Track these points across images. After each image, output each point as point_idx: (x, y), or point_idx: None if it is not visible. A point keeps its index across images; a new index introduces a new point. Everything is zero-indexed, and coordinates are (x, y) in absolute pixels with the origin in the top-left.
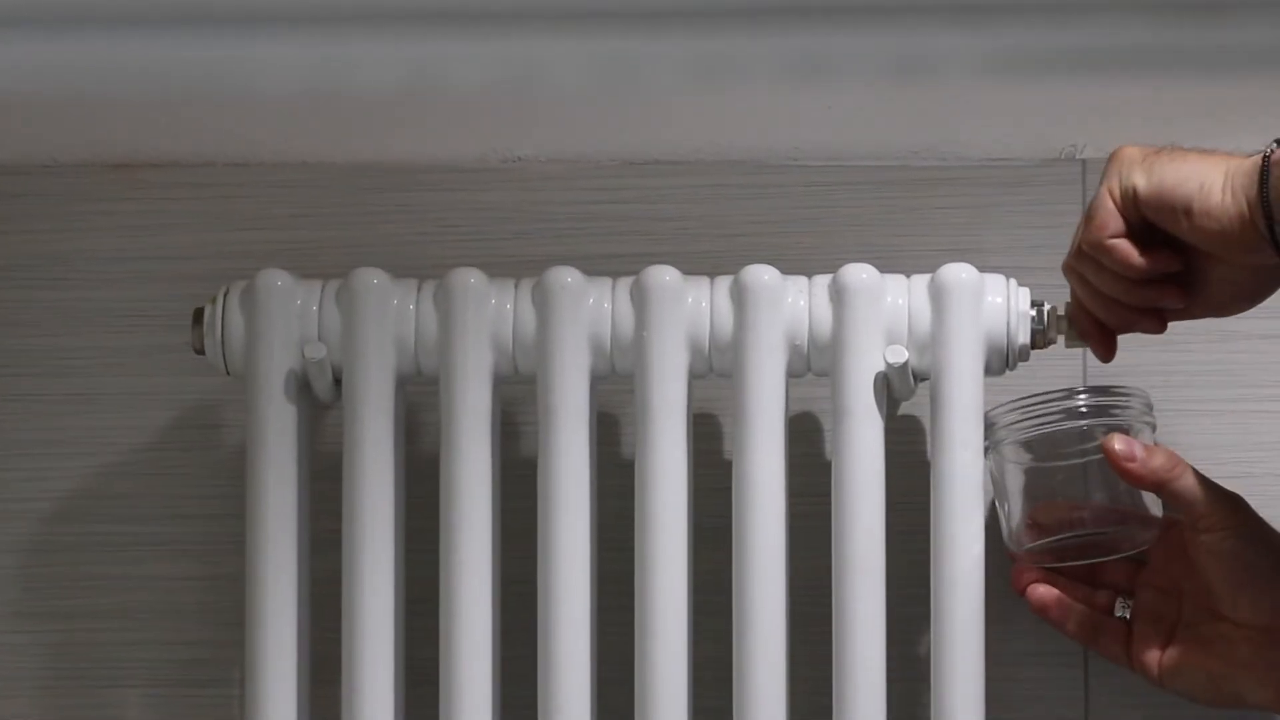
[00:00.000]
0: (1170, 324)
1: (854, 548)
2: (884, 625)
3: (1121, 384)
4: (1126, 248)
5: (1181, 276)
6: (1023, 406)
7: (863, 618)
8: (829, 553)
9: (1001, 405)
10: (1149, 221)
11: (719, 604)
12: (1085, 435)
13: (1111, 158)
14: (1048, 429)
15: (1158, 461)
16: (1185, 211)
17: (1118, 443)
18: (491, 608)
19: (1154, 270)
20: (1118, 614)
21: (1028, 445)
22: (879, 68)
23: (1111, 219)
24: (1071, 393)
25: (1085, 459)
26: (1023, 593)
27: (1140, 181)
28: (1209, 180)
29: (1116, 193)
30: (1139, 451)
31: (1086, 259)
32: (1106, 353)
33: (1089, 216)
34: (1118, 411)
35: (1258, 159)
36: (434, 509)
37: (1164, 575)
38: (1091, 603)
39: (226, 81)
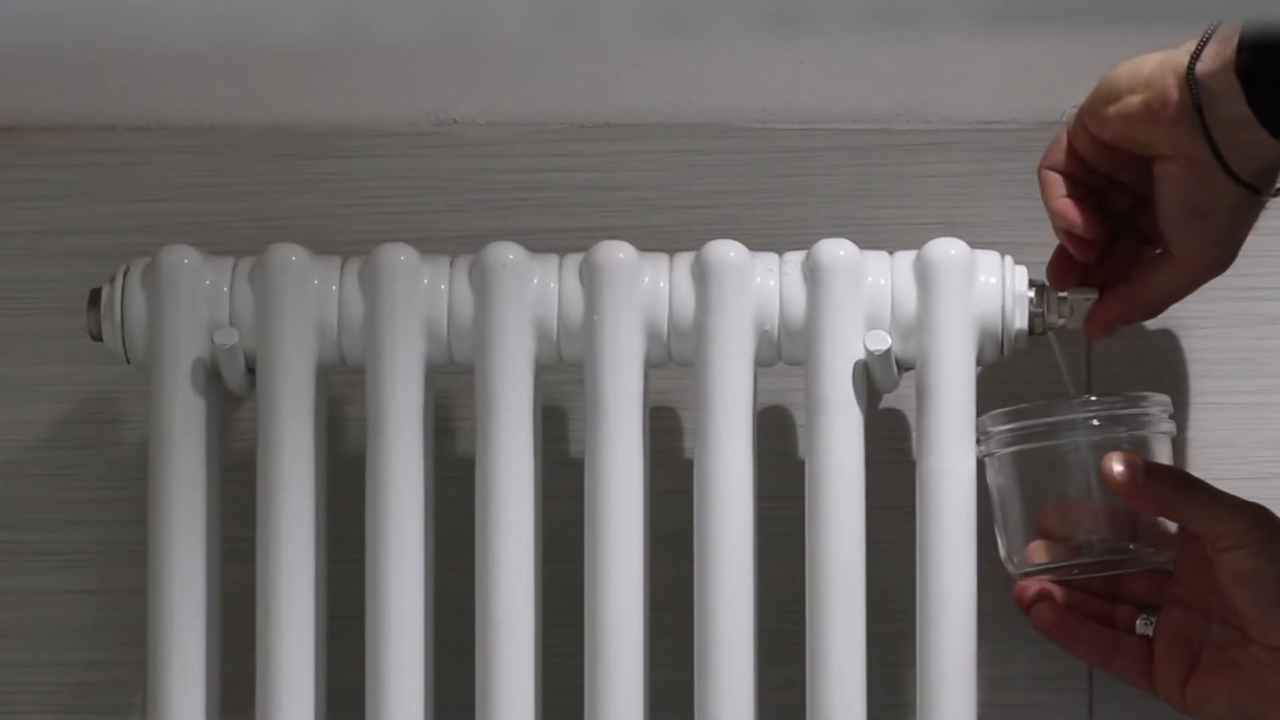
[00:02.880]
0: (1180, 304)
1: (830, 557)
2: (864, 645)
3: (1134, 390)
4: (1048, 182)
5: (1092, 221)
6: (1021, 414)
7: (840, 636)
8: (802, 563)
9: (998, 411)
10: (1100, 148)
11: (679, 620)
12: (1092, 449)
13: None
14: (1049, 443)
15: (1163, 484)
16: (1112, 99)
17: (1117, 464)
18: (424, 625)
19: (1066, 215)
20: (1139, 632)
21: (1026, 459)
22: (859, 19)
23: (1055, 149)
24: (1076, 401)
25: (1090, 475)
26: (1027, 610)
27: (1086, 99)
28: (1142, 60)
29: (1072, 122)
30: (1140, 473)
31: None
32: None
33: (1051, 142)
34: (1129, 422)
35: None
36: (359, 514)
37: (1191, 588)
38: (1109, 619)
39: (126, 34)
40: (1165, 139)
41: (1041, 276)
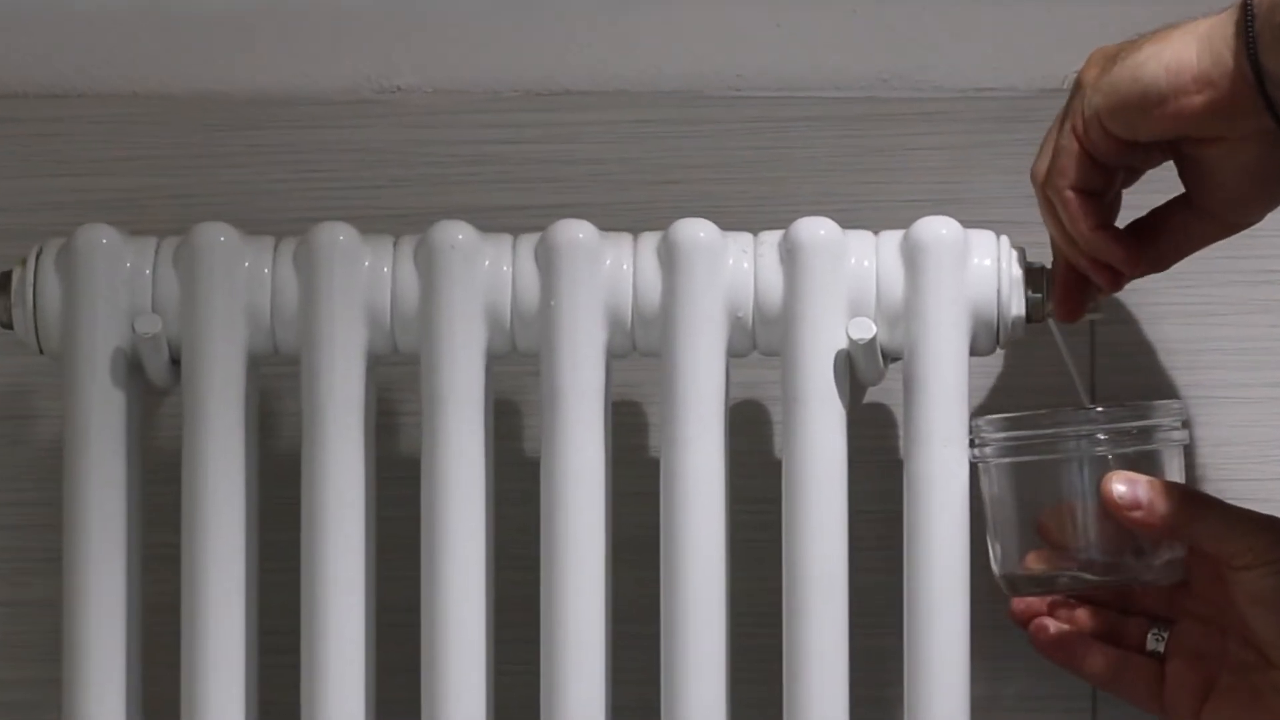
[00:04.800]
0: (1190, 288)
1: (810, 565)
2: (846, 661)
3: (1142, 386)
4: (1077, 208)
5: (1137, 255)
6: (1021, 423)
7: (820, 652)
8: (778, 571)
9: (995, 417)
10: (1127, 147)
11: (644, 634)
12: (1095, 464)
13: (1076, 83)
14: (1049, 456)
15: (1168, 505)
16: (1157, 103)
17: (1119, 484)
18: (364, 640)
19: (1102, 249)
20: (1150, 648)
21: (1024, 471)
22: None
23: (1067, 162)
24: (1078, 411)
25: (1092, 492)
26: (1025, 625)
27: (1099, 102)
28: (1177, 56)
29: (1080, 127)
30: (1144, 495)
31: (1045, 197)
32: (1066, 307)
33: (1053, 154)
34: (1137, 435)
35: (1235, 9)
36: (294, 518)
37: (1208, 601)
38: (1118, 635)
39: None
40: (1232, 128)
41: (1041, 257)
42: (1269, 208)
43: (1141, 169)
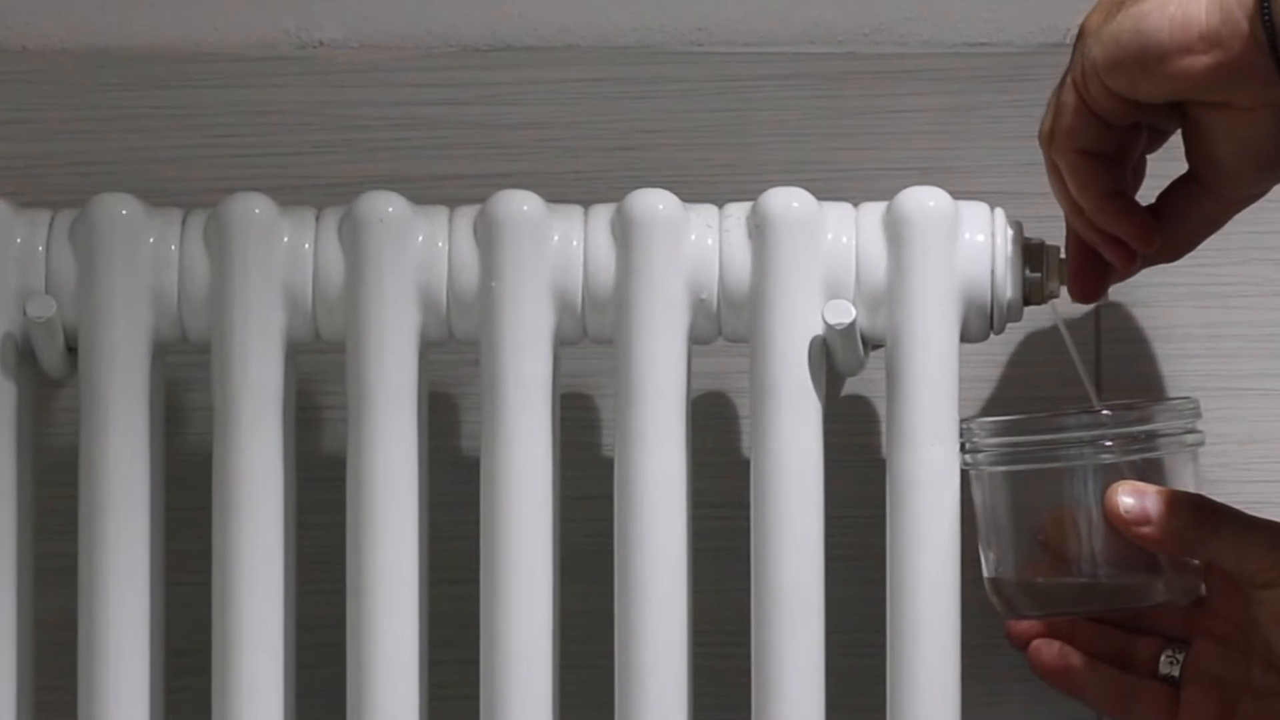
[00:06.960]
0: (1209, 270)
1: (782, 576)
2: (822, 683)
3: (1153, 393)
4: (1083, 173)
5: (1151, 229)
6: (1017, 428)
7: (794, 673)
8: (747, 583)
9: (989, 420)
10: (1129, 105)
11: (596, 655)
12: (1100, 473)
13: (1080, 29)
14: (1049, 465)
15: (1181, 520)
16: (1158, 59)
17: (1125, 497)
18: (284, 659)
19: (1112, 220)
20: (1163, 672)
21: (1021, 480)
22: None
23: (1074, 124)
24: (1081, 414)
25: (1097, 504)
26: (1022, 646)
27: (1098, 53)
28: (1184, 9)
29: (1080, 80)
30: (1153, 508)
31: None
32: (1079, 285)
33: (1056, 111)
34: (1145, 440)
35: None
36: (204, 523)
37: (1227, 620)
38: (1127, 658)
39: None
40: (1238, 94)
41: (1041, 232)
42: (1268, 186)
43: (1163, 130)
